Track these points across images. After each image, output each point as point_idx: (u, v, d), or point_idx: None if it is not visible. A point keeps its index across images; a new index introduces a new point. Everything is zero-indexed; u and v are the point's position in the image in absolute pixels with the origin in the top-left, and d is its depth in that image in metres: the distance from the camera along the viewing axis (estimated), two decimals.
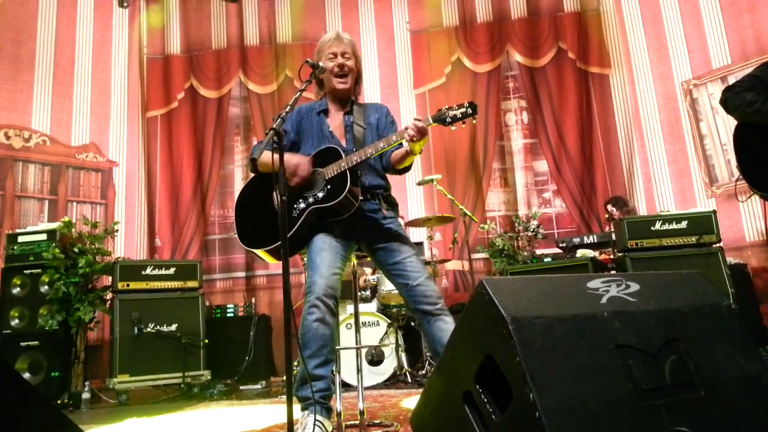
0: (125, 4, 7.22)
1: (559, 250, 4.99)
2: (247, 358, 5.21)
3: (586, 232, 5.53)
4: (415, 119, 2.41)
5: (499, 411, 1.41)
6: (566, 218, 6.44)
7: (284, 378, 5.08)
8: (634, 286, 1.59)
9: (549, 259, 4.85)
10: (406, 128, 2.40)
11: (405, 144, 2.45)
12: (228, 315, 5.52)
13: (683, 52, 6.11)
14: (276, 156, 2.30)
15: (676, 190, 6.06)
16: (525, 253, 5.35)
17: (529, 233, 5.41)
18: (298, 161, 2.53)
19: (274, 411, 3.60)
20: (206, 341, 4.94)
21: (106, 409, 4.39)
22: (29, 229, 5.20)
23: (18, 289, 4.88)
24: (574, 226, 6.29)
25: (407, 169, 2.69)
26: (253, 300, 6.04)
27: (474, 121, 2.47)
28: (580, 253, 4.66)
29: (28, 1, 6.66)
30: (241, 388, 5.05)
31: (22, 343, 4.67)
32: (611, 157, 6.41)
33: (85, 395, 4.50)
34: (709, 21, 5.92)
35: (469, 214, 4.91)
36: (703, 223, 4.37)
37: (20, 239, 5.01)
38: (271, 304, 6.37)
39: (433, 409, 1.74)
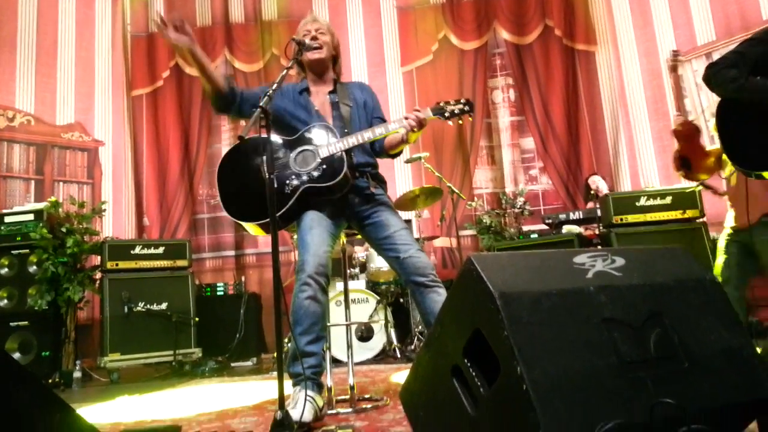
0: None
1: (546, 227, 5.04)
2: (237, 335, 5.25)
3: (572, 208, 5.58)
4: (416, 110, 2.46)
5: (487, 385, 1.45)
6: (552, 195, 6.49)
7: (275, 354, 5.14)
8: (620, 261, 1.62)
9: (535, 236, 4.90)
10: (407, 117, 2.44)
11: (402, 131, 2.49)
12: (218, 293, 5.54)
13: (669, 28, 6.12)
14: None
15: (661, 166, 6.12)
16: (512, 230, 5.41)
17: (516, 210, 5.46)
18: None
19: (266, 387, 3.65)
20: (197, 319, 4.96)
21: (97, 387, 4.42)
22: (16, 209, 5.17)
23: (6, 269, 4.86)
24: (560, 202, 6.35)
25: (399, 153, 2.73)
26: (243, 278, 6.06)
27: (471, 118, 2.55)
28: (566, 229, 4.71)
29: None
30: (233, 365, 5.10)
31: (11, 323, 4.67)
32: (597, 135, 6.46)
33: (77, 374, 4.52)
34: None
35: (456, 191, 4.94)
36: (687, 199, 4.44)
37: (7, 219, 4.98)
38: (260, 283, 6.39)
39: (422, 383, 1.77)
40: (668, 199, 4.44)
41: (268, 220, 2.46)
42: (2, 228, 4.95)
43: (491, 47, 6.84)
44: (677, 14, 6.06)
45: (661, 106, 6.18)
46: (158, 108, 6.97)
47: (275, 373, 4.22)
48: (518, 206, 5.45)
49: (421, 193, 4.74)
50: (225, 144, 7.01)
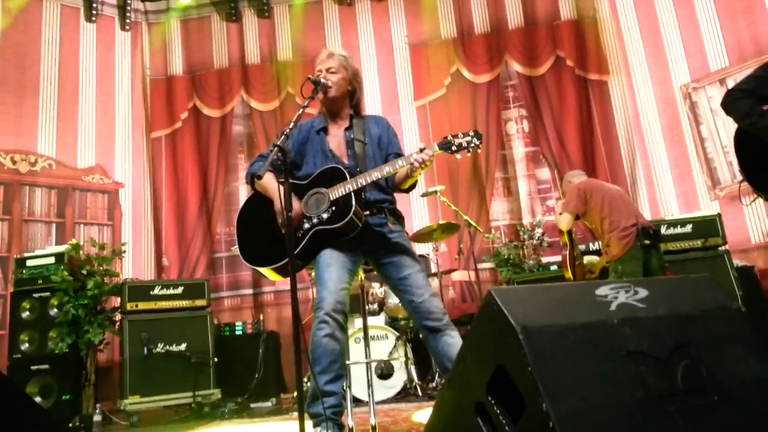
0: (127, 27, 7.30)
1: None
2: (256, 375, 5.20)
3: (592, 238, 5.52)
4: (422, 149, 2.46)
5: (512, 422, 1.41)
6: None
7: (295, 394, 5.08)
8: (643, 292, 1.59)
9: (555, 267, 4.84)
10: (412, 157, 2.45)
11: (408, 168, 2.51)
12: (237, 333, 5.52)
13: (681, 56, 6.14)
14: (274, 185, 2.39)
15: (680, 193, 6.06)
16: (531, 262, 5.35)
17: (534, 242, 5.41)
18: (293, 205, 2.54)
19: (286, 428, 3.60)
20: (216, 360, 4.94)
21: (118, 431, 4.39)
22: (37, 252, 5.23)
23: (27, 313, 4.90)
24: (580, 233, 6.28)
25: (412, 187, 2.73)
26: (261, 317, 6.05)
27: (479, 150, 2.54)
28: (586, 260, 4.66)
29: (31, 27, 6.74)
30: (252, 405, 5.05)
31: (32, 367, 4.68)
32: (613, 163, 6.42)
33: (97, 418, 4.50)
34: (706, 24, 5.96)
35: (473, 224, 4.92)
36: (708, 226, 4.38)
37: (29, 263, 5.04)
38: (279, 321, 6.37)
39: (446, 422, 1.74)
40: (689, 227, 4.39)
41: (282, 262, 2.49)
42: (24, 272, 5.01)
43: (503, 79, 6.90)
44: (689, 42, 6.08)
45: (676, 134, 6.15)
46: (177, 149, 7.10)
47: (295, 414, 4.17)
48: (536, 238, 5.41)
49: (438, 228, 4.74)
50: (242, 182, 7.09)
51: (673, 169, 6.14)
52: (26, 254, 5.29)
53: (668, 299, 1.60)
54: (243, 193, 7.01)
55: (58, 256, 4.97)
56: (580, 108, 6.59)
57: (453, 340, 2.43)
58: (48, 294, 4.88)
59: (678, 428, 1.32)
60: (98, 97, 7.02)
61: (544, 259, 5.47)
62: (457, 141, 2.52)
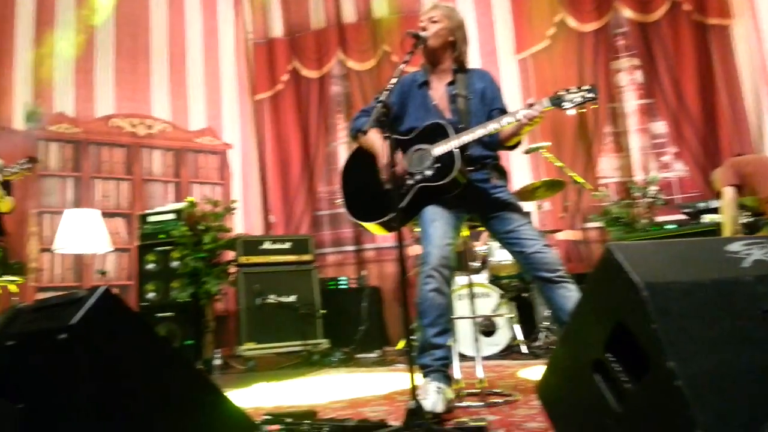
0: None
1: (684, 216, 4.69)
2: (361, 328, 5.40)
3: (712, 196, 5.14)
4: (530, 104, 2.37)
5: (634, 379, 1.38)
6: (688, 182, 6.03)
7: (398, 347, 5.23)
8: None
9: (673, 226, 4.58)
10: (520, 113, 2.37)
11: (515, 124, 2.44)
12: (341, 287, 5.73)
13: None
14: (378, 141, 2.44)
15: None
16: (644, 221, 5.07)
17: (648, 199, 5.12)
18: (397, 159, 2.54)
19: (392, 378, 3.71)
20: (322, 312, 5.17)
21: (236, 374, 4.73)
22: (158, 209, 5.65)
23: (152, 264, 5.34)
24: (698, 190, 5.87)
25: (517, 145, 2.66)
26: (363, 273, 6.22)
27: (594, 106, 2.40)
28: (707, 218, 4.37)
29: None
30: (357, 356, 5.25)
31: (158, 315, 5.12)
32: (737, 115, 5.89)
33: (217, 362, 4.86)
34: None
35: (581, 180, 4.74)
36: None
37: (151, 219, 5.47)
38: (380, 276, 6.51)
39: (561, 378, 1.72)
40: None
41: (387, 218, 2.53)
42: (147, 227, 5.45)
43: (612, 27, 6.47)
44: None
45: None
46: (279, 110, 7.32)
47: (400, 366, 4.31)
48: (650, 195, 5.11)
49: (542, 185, 4.60)
50: (341, 142, 7.22)
51: None
52: (148, 211, 5.74)
53: None
54: (343, 153, 7.15)
55: (177, 213, 5.36)
56: (698, 56, 6.06)
57: (570, 293, 2.38)
58: (169, 247, 5.28)
59: None
60: (205, 61, 7.34)
61: (659, 218, 5.17)
62: (569, 96, 2.40)
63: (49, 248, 5.57)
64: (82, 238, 5.21)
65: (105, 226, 5.45)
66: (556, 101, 2.41)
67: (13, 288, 4.97)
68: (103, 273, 5.51)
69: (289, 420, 2.15)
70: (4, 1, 6.45)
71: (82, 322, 1.49)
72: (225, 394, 1.78)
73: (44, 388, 1.64)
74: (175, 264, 5.24)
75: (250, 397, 3.30)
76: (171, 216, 5.36)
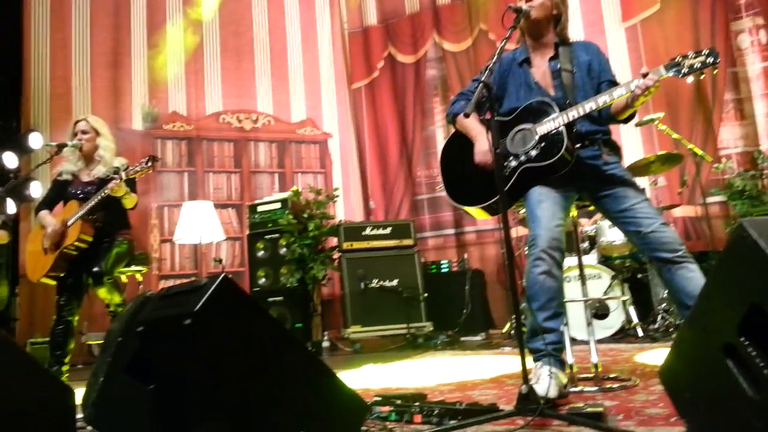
0: None
1: None
2: (464, 311, 5.37)
3: None
4: (644, 74, 2.21)
5: None
6: None
7: (504, 330, 5.14)
8: None
9: None
10: (633, 83, 2.22)
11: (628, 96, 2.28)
12: (443, 270, 5.72)
13: None
14: (476, 125, 2.41)
15: None
16: None
17: None
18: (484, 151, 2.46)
19: (499, 361, 3.66)
20: (425, 295, 5.19)
21: (343, 356, 4.87)
22: (265, 199, 5.91)
23: (262, 252, 5.60)
24: None
25: (630, 118, 2.49)
26: (465, 255, 6.17)
27: (715, 72, 2.20)
28: None
29: None
30: (462, 339, 5.23)
31: (269, 299, 5.36)
32: None
33: (325, 344, 5.04)
34: None
35: (700, 152, 4.40)
36: None
37: (259, 209, 5.73)
38: (482, 259, 6.43)
39: (687, 363, 1.60)
40: None
41: (491, 201, 2.46)
42: (256, 216, 5.70)
43: None
44: None
45: None
46: (375, 97, 7.39)
47: (507, 349, 4.24)
48: None
49: (656, 159, 4.32)
50: (438, 125, 7.16)
51: None
52: (256, 201, 6.01)
53: None
54: (440, 137, 7.09)
55: (283, 202, 5.57)
56: None
57: (692, 274, 2.21)
58: (277, 235, 5.51)
59: None
60: (304, 54, 7.56)
61: None
62: (687, 62, 2.20)
63: (169, 239, 5.98)
64: (199, 229, 5.56)
65: (218, 217, 5.78)
66: (674, 68, 2.22)
67: (138, 277, 5.40)
68: (219, 261, 5.85)
69: (398, 402, 2.17)
70: (118, 9, 6.95)
71: (204, 308, 1.57)
72: (338, 376, 1.82)
73: (171, 370, 1.74)
74: (282, 251, 5.45)
75: (358, 378, 3.38)
76: (277, 205, 5.59)
